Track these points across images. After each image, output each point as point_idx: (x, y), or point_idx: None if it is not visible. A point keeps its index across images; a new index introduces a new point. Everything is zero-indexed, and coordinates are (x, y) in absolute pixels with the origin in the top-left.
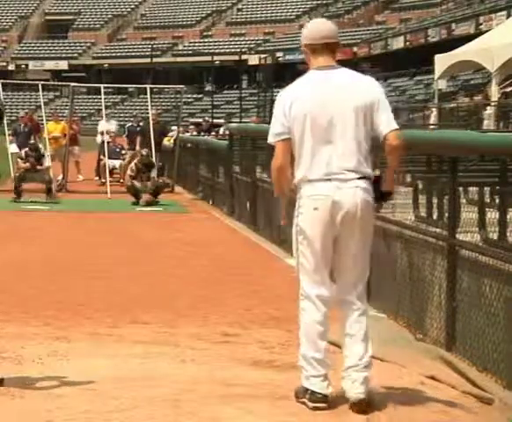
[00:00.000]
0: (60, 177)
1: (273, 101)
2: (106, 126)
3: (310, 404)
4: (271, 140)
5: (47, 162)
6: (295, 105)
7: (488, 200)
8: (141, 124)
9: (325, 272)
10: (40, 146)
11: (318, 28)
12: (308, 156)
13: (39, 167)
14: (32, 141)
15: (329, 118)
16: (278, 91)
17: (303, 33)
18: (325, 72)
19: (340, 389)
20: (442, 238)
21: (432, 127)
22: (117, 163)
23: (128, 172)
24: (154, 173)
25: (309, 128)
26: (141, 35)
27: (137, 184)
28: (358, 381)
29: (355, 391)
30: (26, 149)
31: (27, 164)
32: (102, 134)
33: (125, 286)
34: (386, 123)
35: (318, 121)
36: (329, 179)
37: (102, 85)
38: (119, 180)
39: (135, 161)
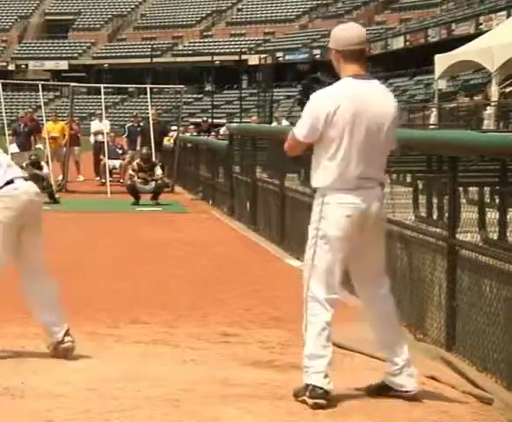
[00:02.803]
0: (60, 177)
1: (273, 101)
2: (100, 126)
3: (311, 401)
4: (299, 137)
5: (46, 169)
6: (337, 113)
7: (488, 200)
8: (141, 124)
9: (339, 275)
10: (42, 164)
11: (352, 33)
12: (341, 164)
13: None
14: (33, 157)
15: (365, 130)
16: (278, 91)
17: (335, 38)
18: (361, 81)
19: (345, 389)
20: (442, 238)
21: (432, 127)
22: (117, 163)
23: (130, 171)
24: (159, 171)
25: (347, 138)
26: (141, 35)
27: (138, 183)
28: (415, 373)
29: (415, 385)
30: (27, 161)
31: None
32: (95, 134)
33: (125, 286)
34: (393, 141)
35: (356, 132)
36: (358, 188)
37: (102, 85)
38: (119, 180)
39: (137, 160)
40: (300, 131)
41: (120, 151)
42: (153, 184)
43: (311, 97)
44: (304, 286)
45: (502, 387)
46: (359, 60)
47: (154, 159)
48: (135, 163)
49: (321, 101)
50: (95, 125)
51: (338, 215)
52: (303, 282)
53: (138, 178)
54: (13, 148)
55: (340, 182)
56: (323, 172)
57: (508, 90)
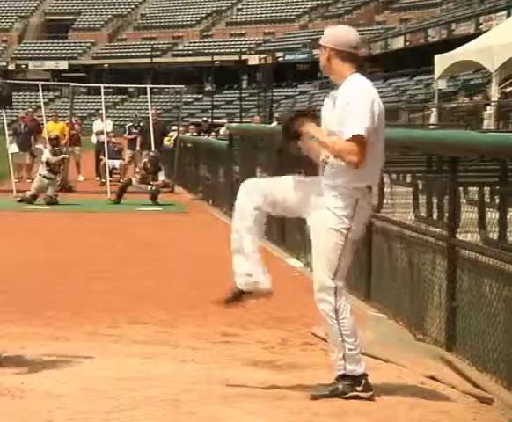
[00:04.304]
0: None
1: (273, 101)
2: (102, 126)
3: (366, 395)
4: (362, 132)
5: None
6: (381, 108)
7: (488, 200)
8: (141, 124)
9: None
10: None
11: (355, 37)
12: (377, 163)
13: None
14: (53, 135)
15: None
16: (278, 91)
17: (335, 37)
18: None
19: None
20: (442, 238)
21: (432, 127)
22: (117, 163)
23: (137, 169)
24: (162, 176)
25: (382, 136)
26: (141, 35)
27: (138, 181)
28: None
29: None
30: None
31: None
32: (97, 134)
33: (125, 286)
34: None
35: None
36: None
37: (102, 85)
38: (119, 180)
39: (145, 160)
40: (362, 125)
41: (116, 149)
42: (150, 187)
43: (359, 87)
44: (326, 289)
45: (502, 387)
46: (356, 61)
47: (160, 164)
48: (142, 162)
49: (371, 95)
50: (97, 125)
51: (367, 216)
52: (319, 285)
53: (140, 176)
54: (13, 148)
55: (373, 182)
56: (362, 171)
57: (508, 90)
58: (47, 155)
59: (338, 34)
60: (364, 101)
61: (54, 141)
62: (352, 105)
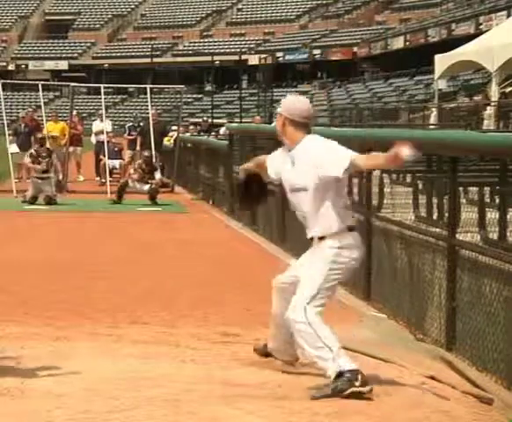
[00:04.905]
0: (60, 177)
1: (273, 101)
2: (102, 126)
3: (366, 389)
4: (352, 155)
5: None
6: None
7: (488, 200)
8: (141, 124)
9: None
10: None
11: (306, 107)
12: (346, 200)
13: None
14: (40, 135)
15: None
16: (278, 91)
17: (289, 107)
18: None
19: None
20: (442, 238)
21: (432, 127)
22: (117, 163)
23: (131, 171)
24: (158, 175)
25: None
26: (141, 35)
27: (136, 182)
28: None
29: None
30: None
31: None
32: (97, 134)
33: (125, 286)
34: None
35: None
36: None
37: (102, 85)
38: (119, 180)
39: (139, 161)
40: (349, 153)
41: (116, 149)
42: (148, 186)
43: (321, 140)
44: (297, 311)
45: (502, 387)
46: (307, 128)
47: (155, 162)
48: (137, 164)
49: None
50: (96, 125)
51: (357, 251)
52: (291, 308)
53: (137, 176)
54: (14, 148)
55: (351, 221)
56: (340, 215)
57: (508, 90)
58: (27, 158)
59: (292, 105)
60: (332, 144)
61: (42, 141)
62: (329, 152)
